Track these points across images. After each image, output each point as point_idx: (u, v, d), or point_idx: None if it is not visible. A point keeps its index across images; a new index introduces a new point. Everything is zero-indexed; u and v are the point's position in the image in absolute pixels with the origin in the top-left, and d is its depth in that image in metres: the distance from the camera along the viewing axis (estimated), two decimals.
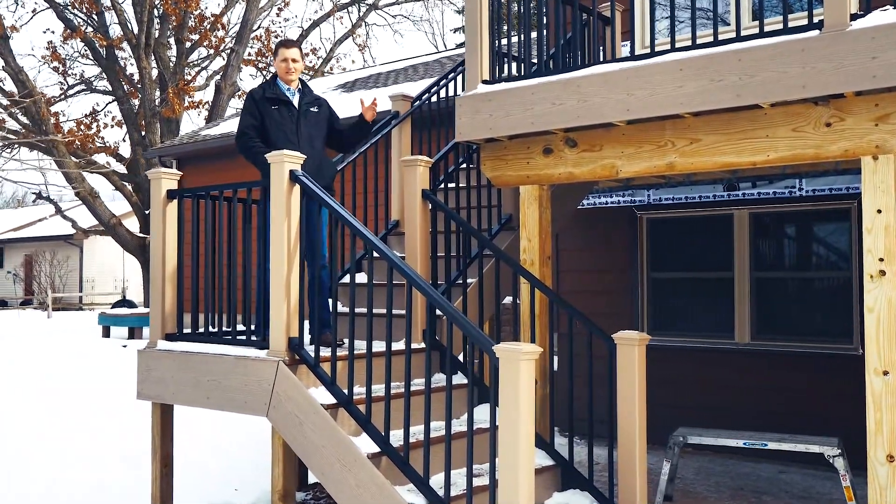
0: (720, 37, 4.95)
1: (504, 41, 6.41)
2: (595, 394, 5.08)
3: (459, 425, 4.72)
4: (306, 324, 5.05)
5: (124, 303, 20.30)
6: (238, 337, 4.88)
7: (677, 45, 4.88)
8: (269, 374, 4.51)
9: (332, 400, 4.34)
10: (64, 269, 33.58)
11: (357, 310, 5.66)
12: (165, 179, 5.23)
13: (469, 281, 5.68)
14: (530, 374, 3.58)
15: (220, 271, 4.94)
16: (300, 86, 5.47)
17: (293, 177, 4.55)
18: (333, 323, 4.60)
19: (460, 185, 6.66)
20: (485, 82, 5.57)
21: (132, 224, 22.99)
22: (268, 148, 5.03)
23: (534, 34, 10.35)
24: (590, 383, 4.98)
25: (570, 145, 5.34)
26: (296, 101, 5.39)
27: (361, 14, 25.31)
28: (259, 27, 23.87)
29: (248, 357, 4.63)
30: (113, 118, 23.53)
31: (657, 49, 5.00)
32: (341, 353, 4.58)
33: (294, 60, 5.41)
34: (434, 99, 7.22)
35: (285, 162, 4.54)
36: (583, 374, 7.06)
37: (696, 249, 7.90)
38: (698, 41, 4.82)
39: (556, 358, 8.68)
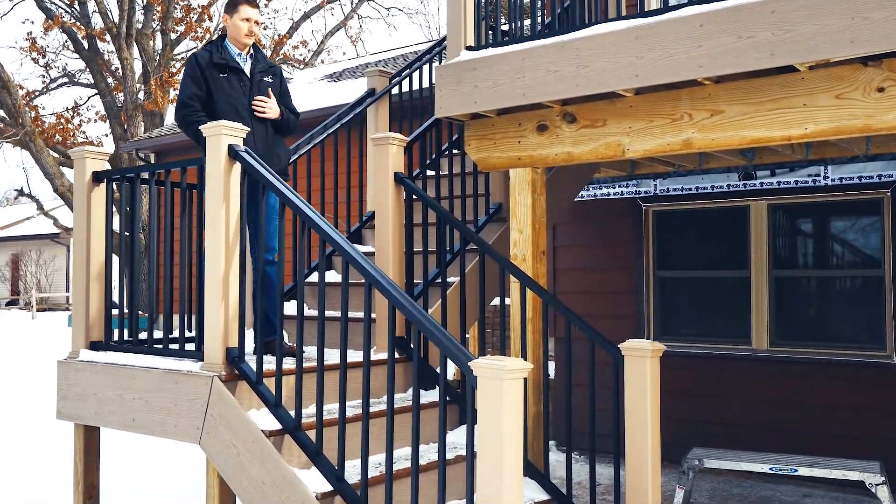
0: None
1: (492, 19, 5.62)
2: (598, 406, 4.31)
3: (433, 452, 3.93)
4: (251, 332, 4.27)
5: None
6: (171, 346, 4.08)
7: None
8: (202, 391, 3.72)
9: (276, 425, 3.56)
10: (50, 268, 32.75)
11: (327, 313, 4.89)
12: (91, 159, 4.44)
13: (451, 280, 4.89)
14: (516, 397, 2.79)
15: (154, 267, 4.15)
16: (252, 51, 4.66)
17: (233, 153, 3.77)
18: (280, 327, 3.80)
19: (441, 172, 5.87)
20: (469, 49, 4.79)
21: (115, 222, 22.18)
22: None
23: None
24: (591, 397, 4.21)
25: (568, 121, 4.55)
26: (247, 69, 4.59)
27: (354, 5, 24.50)
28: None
29: (179, 371, 3.84)
30: (96, 112, 22.72)
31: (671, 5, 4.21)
32: (289, 365, 3.79)
33: (257, 23, 4.60)
34: (418, 84, 6.44)
35: (223, 135, 3.75)
36: (583, 382, 6.28)
37: (708, 245, 7.11)
38: None
39: (552, 364, 7.91)
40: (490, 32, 5.18)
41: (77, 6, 21.06)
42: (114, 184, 4.48)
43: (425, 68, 6.55)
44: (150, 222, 4.20)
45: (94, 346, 4.41)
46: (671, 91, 4.19)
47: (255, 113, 4.49)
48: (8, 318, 25.95)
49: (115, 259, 4.51)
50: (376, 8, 29.25)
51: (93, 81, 21.77)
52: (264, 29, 23.37)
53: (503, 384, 2.73)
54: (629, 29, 4.10)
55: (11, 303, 33.77)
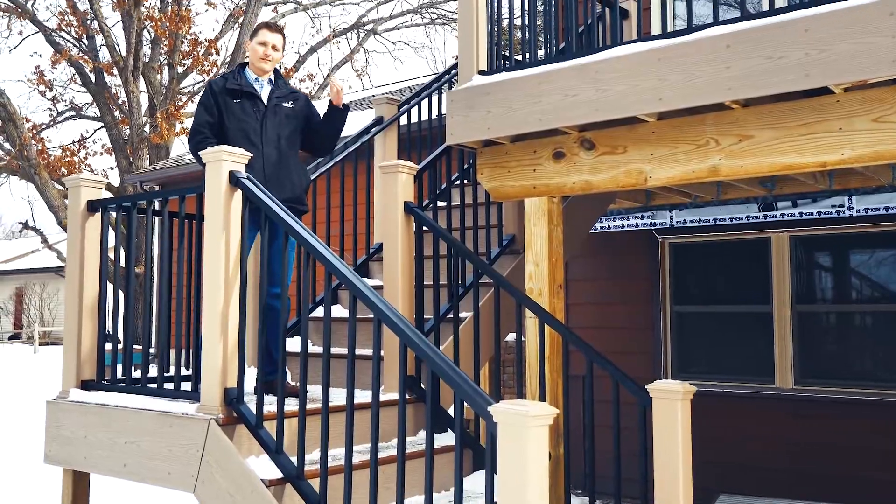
0: (777, 3, 3.98)
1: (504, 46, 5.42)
2: (623, 450, 4.04)
3: (447, 500, 3.66)
4: (252, 369, 4.02)
5: (110, 338, 19.24)
6: (166, 385, 3.83)
7: (722, 17, 3.90)
8: (197, 436, 3.46)
9: (277, 473, 3.29)
10: (54, 302, 32.56)
11: (334, 350, 4.65)
12: (86, 187, 4.23)
13: (463, 315, 4.65)
14: (541, 445, 2.53)
15: (148, 301, 3.91)
16: (272, 77, 4.49)
17: (234, 179, 3.55)
18: (282, 366, 3.55)
19: (453, 203, 5.65)
20: (482, 73, 4.59)
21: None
22: None
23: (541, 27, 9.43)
24: (616, 440, 3.93)
25: (586, 147, 4.34)
26: (264, 95, 4.41)
27: (360, 39, 24.54)
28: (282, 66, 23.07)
29: (174, 413, 3.58)
30: (102, 146, 22.69)
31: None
32: (291, 407, 3.53)
33: (275, 48, 4.43)
34: (427, 114, 6.25)
35: (223, 160, 3.53)
36: (605, 423, 6.00)
37: (728, 279, 6.86)
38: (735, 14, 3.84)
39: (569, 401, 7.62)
40: (504, 58, 5.00)
41: (85, 40, 21.11)
42: (110, 213, 4.26)
43: (434, 98, 6.38)
44: (145, 253, 3.97)
45: (85, 385, 4.16)
46: (696, 116, 3.97)
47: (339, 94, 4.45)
48: (10, 352, 25.71)
49: (111, 292, 4.28)
50: (382, 42, 29.44)
51: (99, 114, 21.75)
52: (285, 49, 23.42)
53: (527, 431, 2.47)
54: (651, 51, 3.90)
55: (14, 336, 33.55)
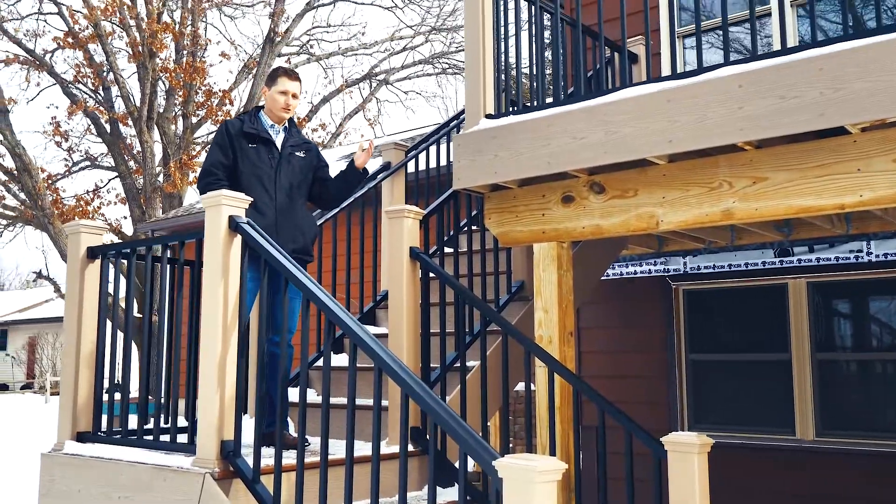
0: (790, 42, 3.91)
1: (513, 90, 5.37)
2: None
3: None
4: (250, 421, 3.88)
5: (119, 388, 19.12)
6: (162, 437, 3.70)
7: (733, 56, 3.83)
8: (192, 491, 3.32)
9: None
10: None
11: (335, 400, 4.52)
12: (86, 234, 4.15)
13: (471, 364, 4.50)
14: (549, 501, 2.37)
15: (147, 350, 3.80)
16: (286, 124, 4.43)
17: (233, 224, 3.46)
18: (280, 417, 3.42)
19: (460, 249, 5.55)
20: (489, 117, 4.52)
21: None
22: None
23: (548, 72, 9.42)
24: (630, 495, 3.76)
25: (595, 191, 4.24)
26: (279, 142, 4.35)
27: (372, 89, 24.80)
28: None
29: (168, 467, 3.44)
30: (117, 195, 22.85)
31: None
32: (290, 461, 3.39)
33: (295, 96, 4.38)
34: (436, 160, 6.20)
35: (223, 205, 3.45)
36: (619, 476, 5.79)
37: (744, 326, 6.68)
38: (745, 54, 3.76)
39: (580, 453, 7.40)
40: (511, 104, 4.94)
41: (101, 91, 21.40)
42: (110, 260, 4.18)
43: (443, 146, 6.32)
44: (145, 301, 3.88)
45: (80, 437, 4.03)
46: (708, 158, 3.87)
47: (368, 150, 4.41)
48: (21, 401, 25.58)
49: (121, 340, 4.18)
50: (394, 92, 29.67)
51: (114, 164, 21.95)
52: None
53: (533, 487, 2.32)
54: (661, 92, 3.82)
55: (26, 386, 33.45)
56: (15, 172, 19.87)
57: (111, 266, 4.14)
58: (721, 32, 3.94)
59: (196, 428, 3.44)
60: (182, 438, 3.64)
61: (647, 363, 6.98)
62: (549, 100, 7.31)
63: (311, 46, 23.97)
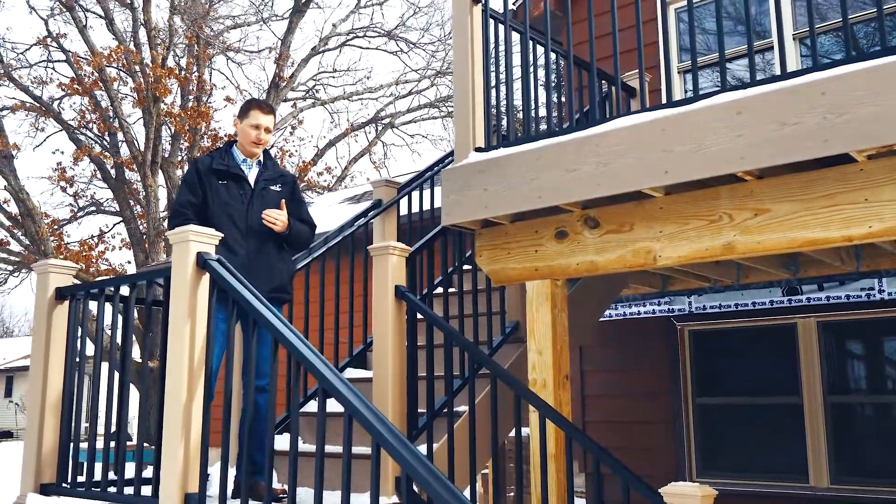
0: (790, 67, 3.72)
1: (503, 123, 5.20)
2: None
3: None
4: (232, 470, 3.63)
5: (122, 435, 18.78)
6: (125, 489, 3.46)
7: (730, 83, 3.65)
8: None
9: None
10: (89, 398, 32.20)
11: (328, 448, 4.24)
12: (55, 274, 3.97)
13: (461, 409, 4.26)
14: None
15: (110, 394, 3.59)
16: (261, 158, 4.25)
17: (201, 262, 3.26)
18: (269, 468, 3.16)
19: (449, 290, 5.32)
20: (478, 150, 4.35)
21: (133, 351, 21.75)
22: None
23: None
24: None
25: (590, 226, 4.03)
26: (252, 176, 4.17)
27: (378, 133, 24.80)
28: (272, 146, 23.34)
29: None
30: (122, 240, 22.77)
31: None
32: None
33: (268, 130, 4.20)
34: (430, 201, 6.00)
35: (191, 241, 3.26)
36: None
37: (753, 368, 6.41)
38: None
39: (583, 501, 7.07)
40: (502, 138, 4.77)
41: (107, 136, 21.46)
42: (79, 301, 3.98)
43: (437, 188, 6.15)
44: (111, 344, 3.67)
45: (44, 489, 3.79)
46: (707, 189, 3.66)
47: (264, 222, 4.02)
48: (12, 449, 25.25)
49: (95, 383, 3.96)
50: (400, 135, 29.66)
51: (119, 209, 21.91)
52: (290, 156, 23.62)
53: None
54: (655, 121, 3.63)
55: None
56: (19, 218, 19.83)
57: (95, 306, 3.94)
58: (719, 67, 3.77)
59: (159, 479, 3.20)
60: (147, 490, 3.40)
61: (652, 408, 6.70)
62: (543, 128, 7.16)
63: (317, 91, 24.06)
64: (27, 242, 20.18)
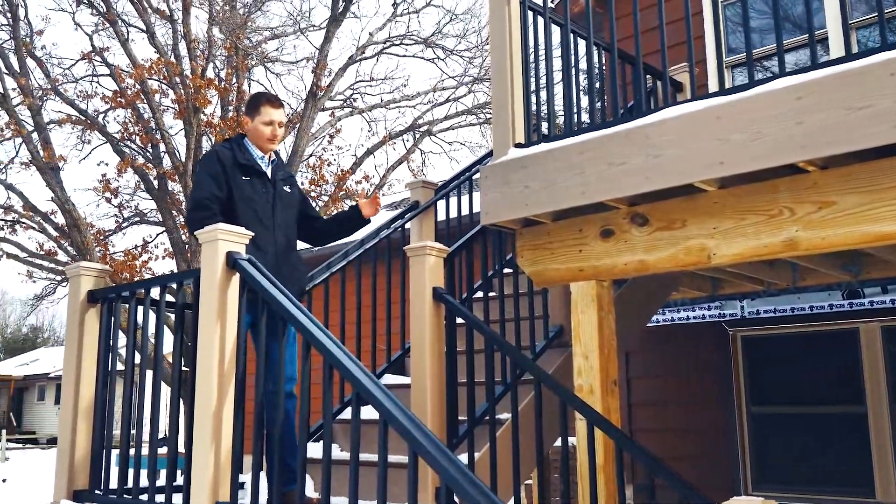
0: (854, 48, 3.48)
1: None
2: None
3: None
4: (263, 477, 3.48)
5: (161, 441, 18.89)
6: (158, 497, 3.33)
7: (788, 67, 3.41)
8: None
9: None
10: (118, 403, 32.59)
11: (366, 456, 4.07)
12: (87, 276, 3.87)
13: (503, 417, 4.06)
14: None
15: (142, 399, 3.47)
16: (273, 155, 4.09)
17: (231, 261, 3.12)
18: (301, 477, 3.02)
19: (493, 294, 5.13)
20: (518, 146, 4.16)
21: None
22: None
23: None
24: None
25: (638, 223, 3.81)
26: (269, 174, 4.01)
27: (416, 140, 24.70)
28: (311, 155, 23.37)
29: None
30: (165, 249, 22.97)
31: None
32: None
33: (281, 125, 4.04)
34: (468, 205, 5.77)
35: (220, 240, 3.12)
36: None
37: (811, 376, 6.11)
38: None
39: None
40: (543, 137, 4.57)
41: (150, 148, 21.70)
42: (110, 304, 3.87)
43: (476, 193, 5.94)
44: (141, 347, 3.55)
45: (77, 496, 3.68)
46: (765, 182, 3.43)
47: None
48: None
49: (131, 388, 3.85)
50: (438, 143, 29.62)
51: (161, 219, 22.11)
52: (328, 165, 23.61)
53: None
54: (709, 109, 3.41)
55: None
56: (65, 228, 20.11)
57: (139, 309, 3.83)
58: (776, 49, 3.54)
59: (189, 487, 3.06)
60: (178, 499, 3.27)
61: (703, 417, 6.42)
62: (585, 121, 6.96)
63: (355, 100, 24.03)
64: (74, 252, 20.44)
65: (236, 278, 3.15)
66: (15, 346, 49.47)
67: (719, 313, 6.35)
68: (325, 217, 4.22)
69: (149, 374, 3.55)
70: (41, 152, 19.57)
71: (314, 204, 23.72)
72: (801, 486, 5.93)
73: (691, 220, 3.63)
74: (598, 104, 5.03)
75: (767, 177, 3.39)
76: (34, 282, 22.84)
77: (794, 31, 6.15)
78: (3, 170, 20.92)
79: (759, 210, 3.43)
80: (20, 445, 28.11)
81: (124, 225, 23.77)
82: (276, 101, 4.07)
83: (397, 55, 23.71)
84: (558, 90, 4.31)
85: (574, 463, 6.69)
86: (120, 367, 4.30)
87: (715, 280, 5.90)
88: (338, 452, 4.51)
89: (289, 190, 4.04)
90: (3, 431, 26.06)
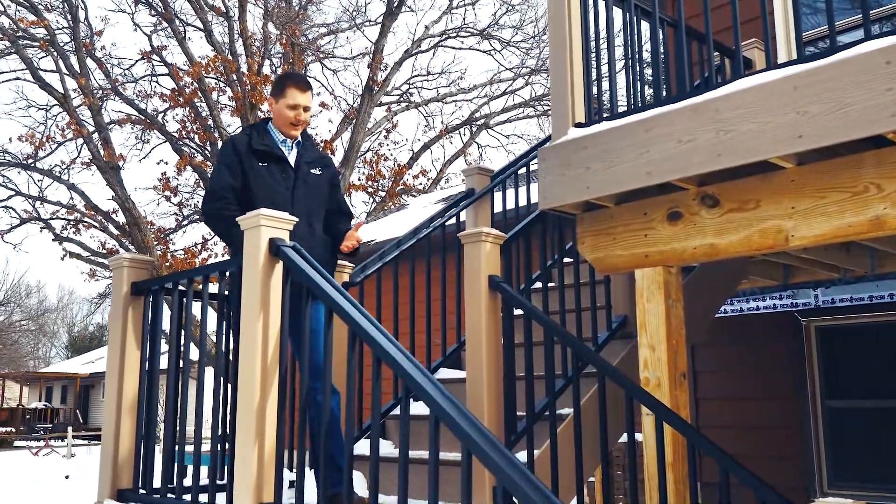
0: None
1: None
2: None
3: None
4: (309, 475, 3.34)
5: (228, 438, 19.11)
6: (202, 497, 3.21)
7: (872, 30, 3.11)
8: None
9: None
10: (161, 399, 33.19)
11: (413, 453, 3.91)
12: (130, 268, 3.77)
13: (564, 412, 3.84)
14: None
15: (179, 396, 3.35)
16: (300, 139, 3.91)
17: (275, 248, 2.98)
18: (347, 477, 2.85)
19: (552, 284, 4.90)
20: (578, 125, 3.93)
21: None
22: None
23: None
24: None
25: (707, 204, 3.55)
26: (292, 159, 3.83)
27: (472, 134, 24.51)
28: (368, 150, 23.36)
29: None
30: (223, 247, 23.26)
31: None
32: None
33: (306, 109, 3.85)
34: (526, 194, 5.54)
35: (262, 226, 2.98)
36: None
37: (891, 368, 5.73)
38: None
39: None
40: (605, 116, 4.32)
41: (208, 146, 21.95)
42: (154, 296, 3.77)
43: (534, 184, 5.71)
44: (184, 340, 3.43)
45: (121, 495, 3.59)
46: (847, 157, 3.15)
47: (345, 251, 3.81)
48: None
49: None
50: (495, 136, 29.37)
51: None
52: (385, 160, 23.57)
53: None
54: (785, 79, 3.14)
55: None
56: (126, 227, 20.49)
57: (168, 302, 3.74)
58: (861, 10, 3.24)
59: (233, 487, 2.92)
60: (221, 498, 3.14)
61: (775, 412, 6.09)
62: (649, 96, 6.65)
63: (411, 94, 23.96)
64: (134, 251, 20.83)
65: (279, 266, 3.00)
66: (81, 345, 50.86)
67: (791, 302, 6.01)
68: (337, 218, 3.97)
69: (194, 369, 3.44)
70: (102, 152, 19.97)
71: (370, 199, 23.75)
72: (881, 482, 5.57)
73: (766, 200, 3.37)
74: (663, 81, 4.77)
75: (849, 151, 3.11)
76: (97, 280, 23.39)
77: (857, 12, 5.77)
78: (66, 170, 21.43)
79: (842, 187, 3.15)
80: (86, 442, 28.81)
81: (184, 223, 24.14)
82: (302, 84, 3.88)
83: (453, 48, 23.50)
84: (620, 66, 4.07)
85: (640, 460, 6.42)
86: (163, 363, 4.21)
87: (787, 267, 5.58)
88: (392, 450, 4.36)
89: (318, 172, 3.86)
90: (70, 428, 26.77)
